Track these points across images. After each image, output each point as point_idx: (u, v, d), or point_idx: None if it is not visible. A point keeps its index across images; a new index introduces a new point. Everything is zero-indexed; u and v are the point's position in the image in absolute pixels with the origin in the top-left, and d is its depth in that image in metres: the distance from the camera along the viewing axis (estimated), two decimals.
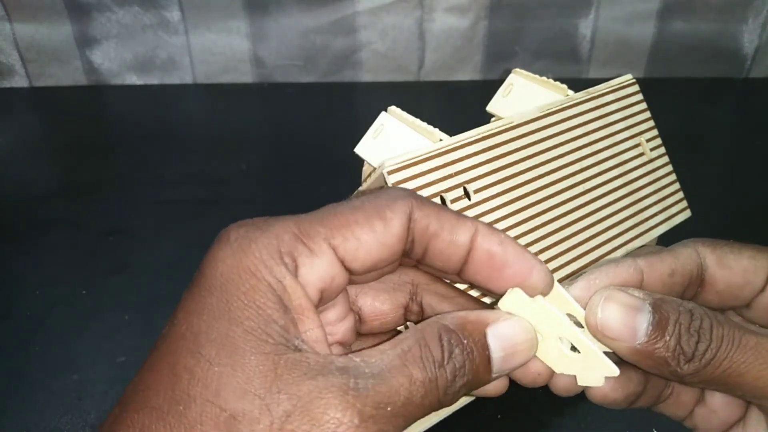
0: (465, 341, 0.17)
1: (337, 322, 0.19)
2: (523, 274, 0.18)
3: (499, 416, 0.34)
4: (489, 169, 0.30)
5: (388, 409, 0.15)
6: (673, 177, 0.36)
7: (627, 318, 0.18)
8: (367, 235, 0.17)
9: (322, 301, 0.17)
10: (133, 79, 0.69)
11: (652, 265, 0.20)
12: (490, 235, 0.18)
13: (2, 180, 0.56)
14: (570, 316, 0.19)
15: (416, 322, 0.20)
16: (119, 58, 0.68)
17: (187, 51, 0.68)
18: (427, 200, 0.18)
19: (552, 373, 0.19)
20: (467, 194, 0.29)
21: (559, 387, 0.19)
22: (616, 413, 0.34)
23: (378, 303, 0.20)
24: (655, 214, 0.35)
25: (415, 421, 0.16)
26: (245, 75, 0.69)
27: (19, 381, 0.37)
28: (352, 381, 0.15)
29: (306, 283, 0.16)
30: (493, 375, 0.17)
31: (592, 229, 0.32)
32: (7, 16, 0.64)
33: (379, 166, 0.28)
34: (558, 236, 0.31)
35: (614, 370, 0.18)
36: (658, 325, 0.18)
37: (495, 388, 0.19)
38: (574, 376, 0.19)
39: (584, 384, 0.19)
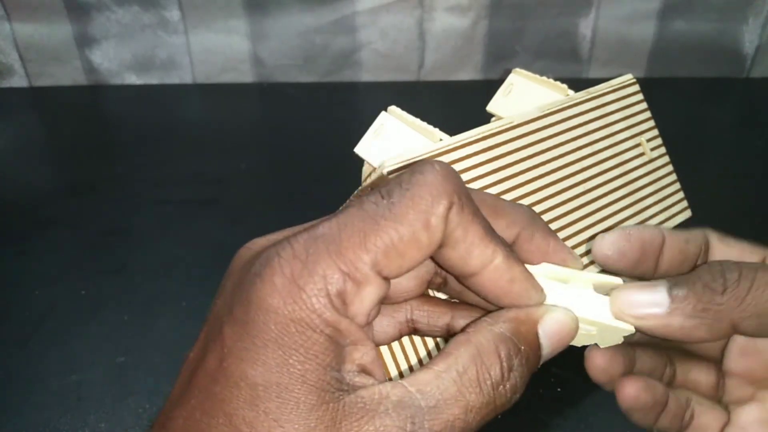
0: (522, 347, 0.16)
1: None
2: (517, 304, 0.18)
3: (499, 416, 0.34)
4: (489, 169, 0.30)
5: None
6: (674, 177, 0.36)
7: (646, 293, 0.18)
8: (410, 251, 0.16)
9: (372, 318, 0.17)
10: (133, 79, 0.69)
11: (670, 232, 0.22)
12: (505, 269, 0.17)
13: (1, 180, 0.56)
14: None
15: (438, 290, 0.20)
16: (119, 58, 0.68)
17: (187, 51, 0.68)
18: (468, 200, 0.17)
19: None
20: None
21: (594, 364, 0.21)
22: (618, 415, 0.34)
23: (404, 281, 0.20)
24: (656, 215, 0.35)
25: None
26: (245, 75, 0.69)
27: (18, 381, 0.36)
28: (409, 423, 0.15)
29: (356, 314, 0.16)
30: (538, 366, 0.18)
31: (592, 230, 0.32)
32: (6, 15, 0.64)
33: (379, 166, 0.27)
34: (559, 236, 0.31)
35: (630, 328, 0.19)
36: (679, 282, 0.18)
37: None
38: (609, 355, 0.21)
39: (605, 345, 0.20)
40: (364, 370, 0.16)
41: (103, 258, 0.46)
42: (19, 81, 0.68)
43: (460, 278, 0.18)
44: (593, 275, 0.19)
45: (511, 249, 0.18)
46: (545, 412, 0.34)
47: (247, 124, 0.65)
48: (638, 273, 0.22)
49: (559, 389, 0.35)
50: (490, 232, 0.17)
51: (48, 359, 0.38)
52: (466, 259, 0.17)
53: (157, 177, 0.55)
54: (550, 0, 0.66)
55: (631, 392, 0.21)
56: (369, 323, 0.17)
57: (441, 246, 0.17)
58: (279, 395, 0.15)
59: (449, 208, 0.16)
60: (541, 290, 0.18)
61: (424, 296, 0.20)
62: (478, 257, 0.17)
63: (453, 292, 0.20)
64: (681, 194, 0.36)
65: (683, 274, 0.19)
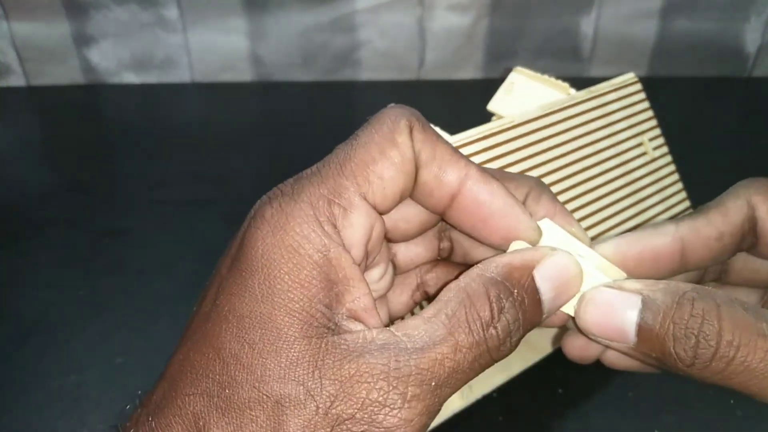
0: (515, 291, 0.16)
1: (380, 279, 0.19)
2: (508, 229, 0.17)
3: (500, 418, 0.33)
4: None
5: (432, 384, 0.14)
6: (676, 176, 0.36)
7: (613, 318, 0.16)
8: (388, 170, 0.16)
9: (368, 255, 0.17)
10: (131, 78, 0.69)
11: (697, 231, 0.19)
12: (482, 182, 0.17)
13: None
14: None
15: (448, 258, 0.20)
16: (117, 57, 0.67)
17: (186, 49, 0.67)
18: (428, 125, 0.17)
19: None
20: None
21: (574, 352, 0.19)
22: (618, 415, 0.34)
23: (412, 246, 0.19)
24: (658, 214, 0.35)
25: (465, 384, 0.15)
26: (244, 73, 0.69)
27: (16, 382, 0.36)
28: (393, 361, 0.14)
29: (351, 245, 0.16)
30: (545, 316, 0.17)
31: (594, 229, 0.32)
32: (4, 14, 0.64)
33: None
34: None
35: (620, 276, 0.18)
36: (649, 324, 0.16)
37: (556, 320, 0.18)
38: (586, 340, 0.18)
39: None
40: (355, 317, 0.15)
41: (102, 258, 0.46)
42: (16, 80, 0.68)
43: (446, 215, 0.17)
44: (597, 255, 0.18)
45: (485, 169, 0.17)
46: (547, 413, 0.34)
47: (246, 124, 0.65)
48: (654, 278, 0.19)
49: (560, 390, 0.35)
50: (459, 152, 0.17)
51: (46, 360, 0.38)
52: (440, 178, 0.17)
53: (156, 177, 0.55)
54: None
55: (616, 359, 0.20)
56: (367, 261, 0.17)
57: (417, 170, 0.17)
58: (262, 325, 0.15)
59: (411, 127, 0.17)
60: (530, 216, 0.17)
61: (433, 261, 0.20)
62: (452, 173, 0.17)
63: (460, 257, 0.20)
64: (683, 194, 0.36)
65: (664, 287, 0.16)
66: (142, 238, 0.48)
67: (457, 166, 0.17)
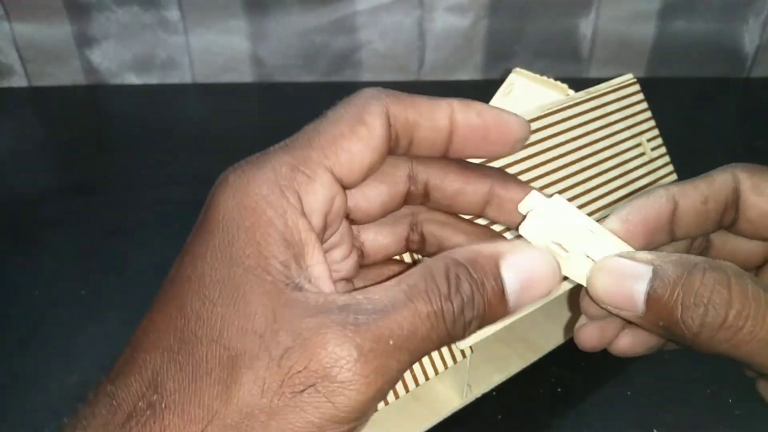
0: (475, 275, 0.16)
1: (342, 260, 0.19)
2: (505, 134, 0.18)
3: (499, 417, 0.34)
4: None
5: (390, 342, 0.14)
6: (674, 177, 0.36)
7: (624, 288, 0.17)
8: (355, 145, 0.17)
9: (327, 226, 0.17)
10: (132, 79, 0.69)
11: (684, 193, 0.20)
12: (467, 109, 0.18)
13: (1, 180, 0.56)
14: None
15: (417, 251, 0.21)
16: (118, 58, 0.68)
17: (187, 50, 0.68)
18: (400, 93, 0.18)
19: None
20: None
21: (586, 341, 0.19)
22: (617, 413, 0.34)
23: (380, 237, 0.20)
24: None
25: (424, 355, 0.15)
26: (245, 74, 0.69)
27: (17, 382, 0.36)
28: (351, 317, 0.14)
29: (310, 212, 0.16)
30: (511, 308, 0.17)
31: None
32: (6, 15, 0.64)
33: None
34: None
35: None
36: (658, 293, 0.16)
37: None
38: (599, 329, 0.20)
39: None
40: (311, 282, 0.16)
41: (103, 258, 0.46)
42: (18, 81, 0.68)
43: (449, 151, 0.18)
44: (606, 231, 0.18)
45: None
46: (545, 412, 0.34)
47: (247, 124, 0.65)
48: (651, 248, 0.20)
49: (558, 389, 0.35)
50: (435, 98, 0.18)
51: (48, 359, 0.38)
52: (433, 125, 0.18)
53: (157, 177, 0.55)
54: (550, 0, 0.66)
55: (625, 347, 0.20)
56: (325, 232, 0.17)
57: (411, 141, 0.17)
58: (221, 282, 0.15)
59: (386, 106, 0.17)
60: (516, 114, 0.19)
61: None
62: (441, 116, 0.18)
63: (434, 249, 0.21)
64: None
65: (676, 259, 0.16)
66: (143, 238, 0.48)
67: (441, 109, 0.18)
